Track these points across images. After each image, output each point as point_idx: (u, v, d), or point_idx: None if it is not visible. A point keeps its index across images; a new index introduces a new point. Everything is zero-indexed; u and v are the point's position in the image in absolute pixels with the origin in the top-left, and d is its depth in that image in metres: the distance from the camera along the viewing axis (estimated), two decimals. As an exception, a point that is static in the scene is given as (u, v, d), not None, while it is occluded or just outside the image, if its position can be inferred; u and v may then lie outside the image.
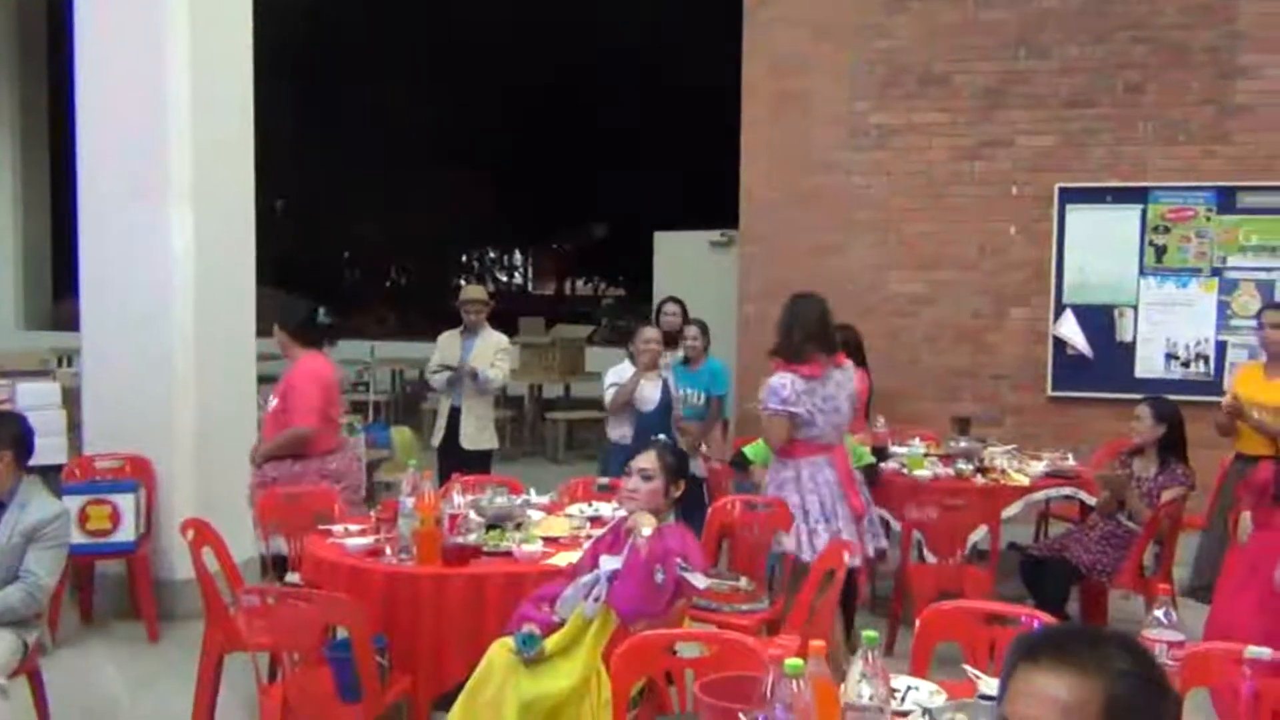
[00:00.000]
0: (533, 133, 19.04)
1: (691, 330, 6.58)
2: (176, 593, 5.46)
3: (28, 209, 13.76)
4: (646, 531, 3.36)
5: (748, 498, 4.90)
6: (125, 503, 5.35)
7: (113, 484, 5.43)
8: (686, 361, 6.52)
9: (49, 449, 5.41)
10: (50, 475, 5.18)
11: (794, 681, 1.94)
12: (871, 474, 5.49)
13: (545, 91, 18.26)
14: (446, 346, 6.65)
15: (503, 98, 18.25)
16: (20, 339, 12.64)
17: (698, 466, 6.03)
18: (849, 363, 4.89)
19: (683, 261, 10.43)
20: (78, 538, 5.01)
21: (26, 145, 13.69)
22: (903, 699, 2.43)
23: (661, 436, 4.10)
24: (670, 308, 7.04)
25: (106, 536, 5.32)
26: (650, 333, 6.13)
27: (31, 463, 3.97)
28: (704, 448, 6.42)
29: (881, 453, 5.84)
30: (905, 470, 5.72)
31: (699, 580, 3.37)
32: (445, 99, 18.33)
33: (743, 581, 4.52)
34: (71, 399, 5.96)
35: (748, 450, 5.64)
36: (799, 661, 1.96)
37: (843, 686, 2.10)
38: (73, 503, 5.05)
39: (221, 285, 5.80)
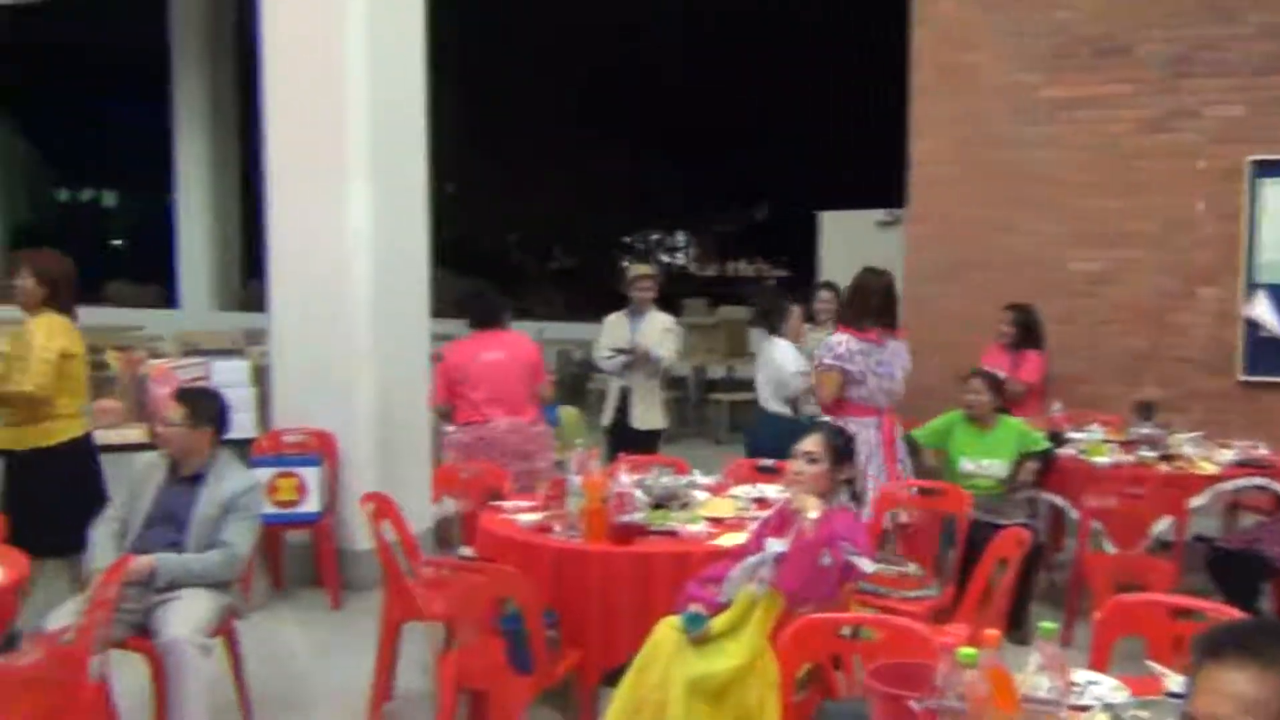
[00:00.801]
0: (693, 112, 19.02)
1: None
2: (357, 562, 5.70)
3: (219, 196, 14.54)
4: (813, 514, 3.34)
5: (917, 482, 4.81)
6: (310, 475, 5.61)
7: (299, 457, 5.70)
8: None
9: (240, 424, 5.70)
10: (241, 448, 5.47)
11: (968, 670, 1.90)
12: (1046, 460, 5.32)
13: (704, 69, 18.20)
14: (614, 328, 6.72)
15: (662, 78, 18.28)
16: (213, 320, 13.38)
17: None
18: (905, 339, 5.24)
19: (847, 241, 10.28)
20: (267, 508, 5.26)
21: (217, 136, 14.46)
22: (1082, 693, 2.35)
23: (828, 419, 4.07)
24: (825, 294, 6.96)
25: (293, 507, 5.58)
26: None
27: (225, 437, 4.21)
28: None
29: (1058, 438, 5.65)
30: (1084, 456, 5.51)
31: (866, 564, 3.34)
32: (604, 80, 18.47)
33: (911, 567, 4.45)
34: (261, 376, 6.28)
35: (917, 433, 5.54)
36: (973, 650, 1.93)
37: (1019, 677, 2.04)
38: (262, 475, 5.32)
39: (398, 268, 6.01)
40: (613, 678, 3.55)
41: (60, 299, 4.80)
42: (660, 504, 4.25)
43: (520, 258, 24.12)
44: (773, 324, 6.39)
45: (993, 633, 2.07)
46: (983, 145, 7.73)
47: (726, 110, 18.86)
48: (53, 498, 4.15)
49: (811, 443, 3.57)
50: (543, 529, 4.04)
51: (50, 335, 4.66)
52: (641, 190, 20.47)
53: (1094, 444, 5.66)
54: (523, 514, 4.21)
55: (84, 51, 15.17)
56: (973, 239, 7.65)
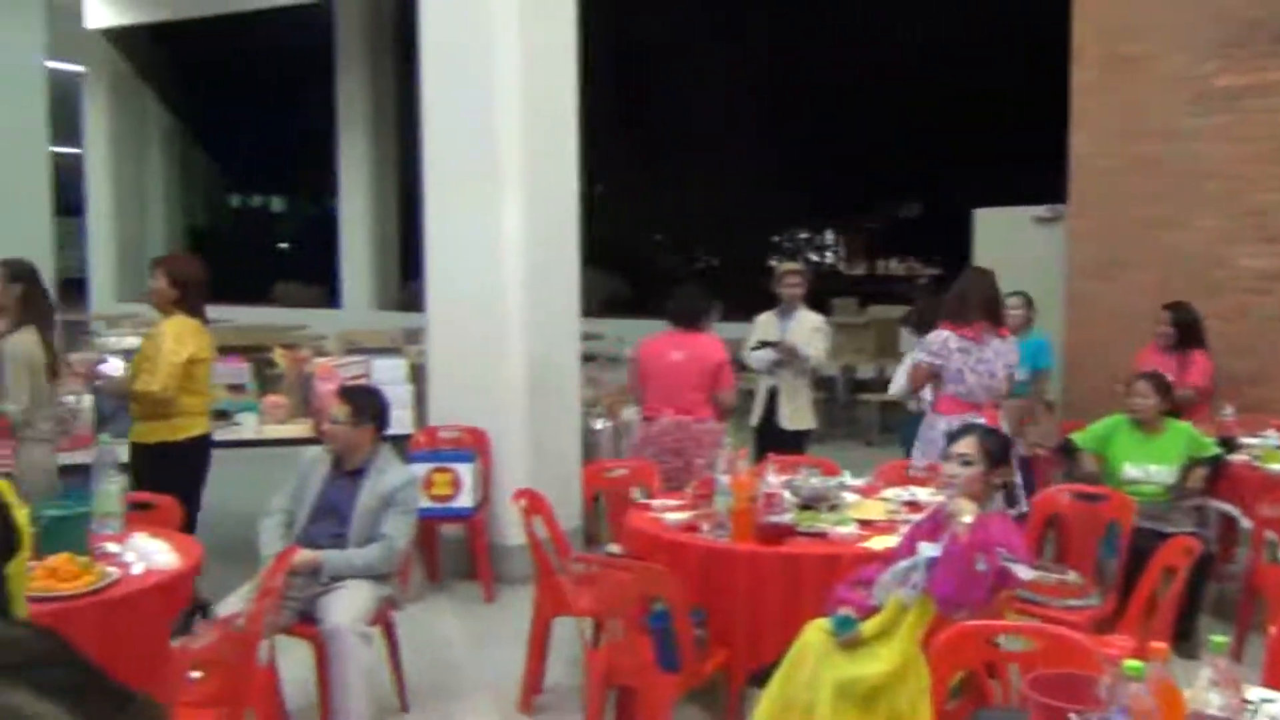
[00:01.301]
0: (842, 108, 18.76)
1: (1014, 300, 6.29)
2: (509, 557, 5.82)
3: (379, 200, 15.05)
4: (967, 519, 3.27)
5: (1078, 487, 4.65)
6: (465, 471, 5.75)
7: (454, 453, 5.85)
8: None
9: (398, 420, 5.88)
10: (399, 444, 5.65)
11: (1134, 684, 1.83)
12: (1217, 466, 5.08)
13: (853, 65, 17.93)
14: (764, 328, 6.69)
15: (812, 75, 18.09)
16: (373, 319, 13.85)
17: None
18: (1012, 338, 5.31)
19: (1003, 239, 9.98)
20: (423, 502, 5.43)
21: (377, 141, 14.96)
22: (1256, 711, 2.24)
23: (981, 420, 3.97)
24: (1013, 300, 6.77)
25: (448, 502, 5.74)
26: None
27: (385, 433, 4.36)
28: (1028, 424, 6.18)
29: (1229, 443, 5.38)
30: (1258, 463, 5.24)
31: (1023, 571, 3.24)
32: (750, 77, 18.38)
33: (1071, 575, 4.31)
34: (417, 374, 6.47)
35: (1076, 437, 5.36)
36: (1140, 663, 1.86)
37: (1188, 693, 1.96)
38: (419, 470, 5.48)
39: (549, 269, 6.11)
40: (760, 678, 3.55)
41: (190, 301, 4.97)
42: (808, 505, 4.22)
43: (666, 257, 24.23)
44: (927, 324, 6.27)
45: (1160, 645, 1.99)
46: (1146, 138, 7.42)
47: (877, 106, 18.56)
48: (176, 490, 4.35)
49: (966, 445, 3.49)
50: (690, 528, 4.05)
51: (179, 340, 4.85)
52: (789, 188, 20.31)
53: (1269, 450, 5.37)
54: (670, 513, 4.24)
55: (255, 64, 15.91)
56: (1135, 235, 7.35)
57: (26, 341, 4.70)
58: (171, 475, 4.74)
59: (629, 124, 18.03)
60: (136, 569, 3.41)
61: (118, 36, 14.97)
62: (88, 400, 5.70)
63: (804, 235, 27.70)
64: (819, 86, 18.59)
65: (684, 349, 5.82)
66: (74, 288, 15.10)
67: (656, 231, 24.16)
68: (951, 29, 16.37)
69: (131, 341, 6.35)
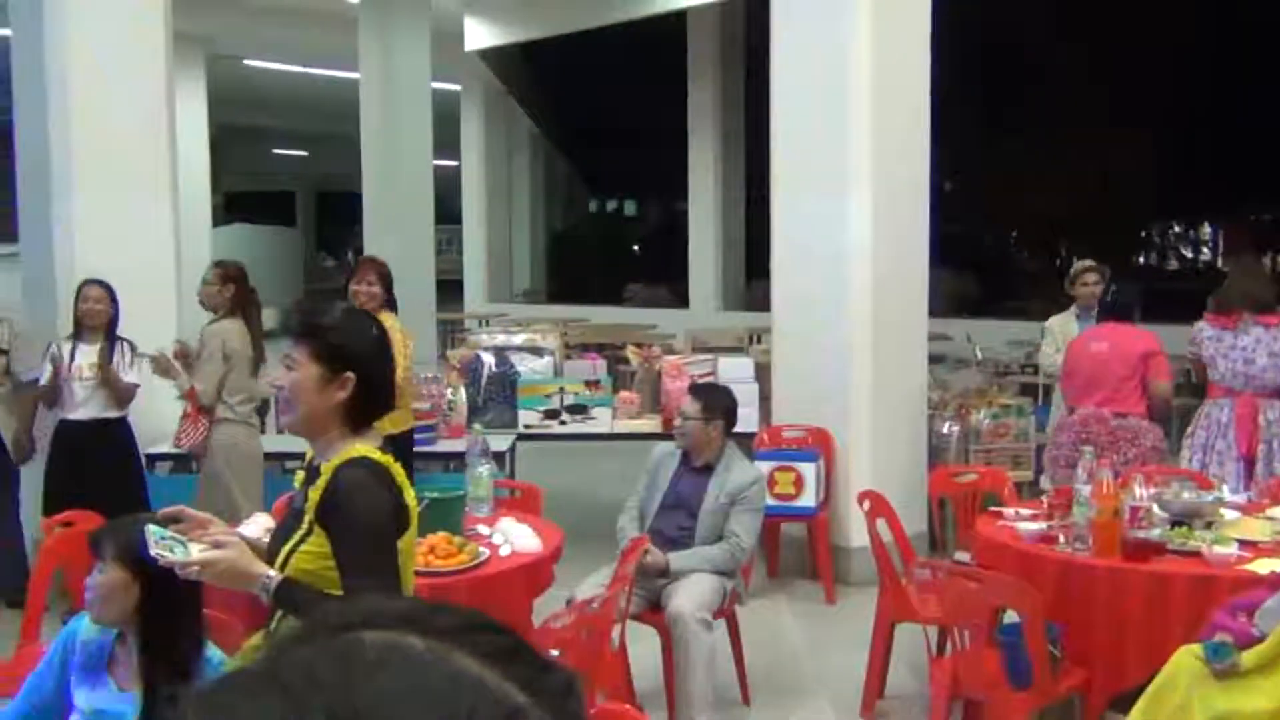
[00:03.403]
0: (1217, 88, 17.13)
1: None
2: (851, 558, 5.78)
3: (725, 201, 15.38)
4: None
5: None
6: (808, 471, 5.76)
7: (797, 452, 5.87)
8: None
9: (743, 418, 5.98)
10: (744, 442, 5.74)
11: None
12: None
13: (1225, 47, 16.35)
14: (1061, 331, 6.22)
15: (1180, 56, 16.65)
16: (719, 319, 14.17)
17: None
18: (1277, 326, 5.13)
19: None
20: (767, 500, 5.50)
21: (725, 145, 15.29)
22: None
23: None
24: None
25: (791, 501, 5.77)
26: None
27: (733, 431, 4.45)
28: None
29: None
30: None
31: None
32: (1114, 61, 17.16)
33: None
34: (763, 373, 6.55)
35: None
36: None
37: None
38: (762, 468, 5.55)
39: (897, 268, 6.01)
40: (1121, 702, 3.32)
41: (390, 299, 5.15)
42: (1180, 521, 3.90)
43: (1022, 256, 23.18)
44: None
45: None
46: None
47: (1260, 84, 16.81)
48: None
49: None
50: (1046, 539, 3.86)
51: (404, 338, 4.94)
52: (1159, 180, 18.82)
53: None
54: (1024, 522, 4.05)
55: (612, 75, 16.68)
56: None
57: (228, 331, 5.10)
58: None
59: (981, 118, 17.38)
60: (504, 550, 3.68)
61: (491, 56, 16.16)
62: (462, 393, 6.20)
63: (1176, 229, 25.60)
64: (1195, 69, 17.10)
65: (1107, 340, 5.56)
66: (452, 289, 16.46)
67: (1011, 229, 23.12)
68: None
69: (502, 339, 6.83)
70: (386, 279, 5.17)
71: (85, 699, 2.51)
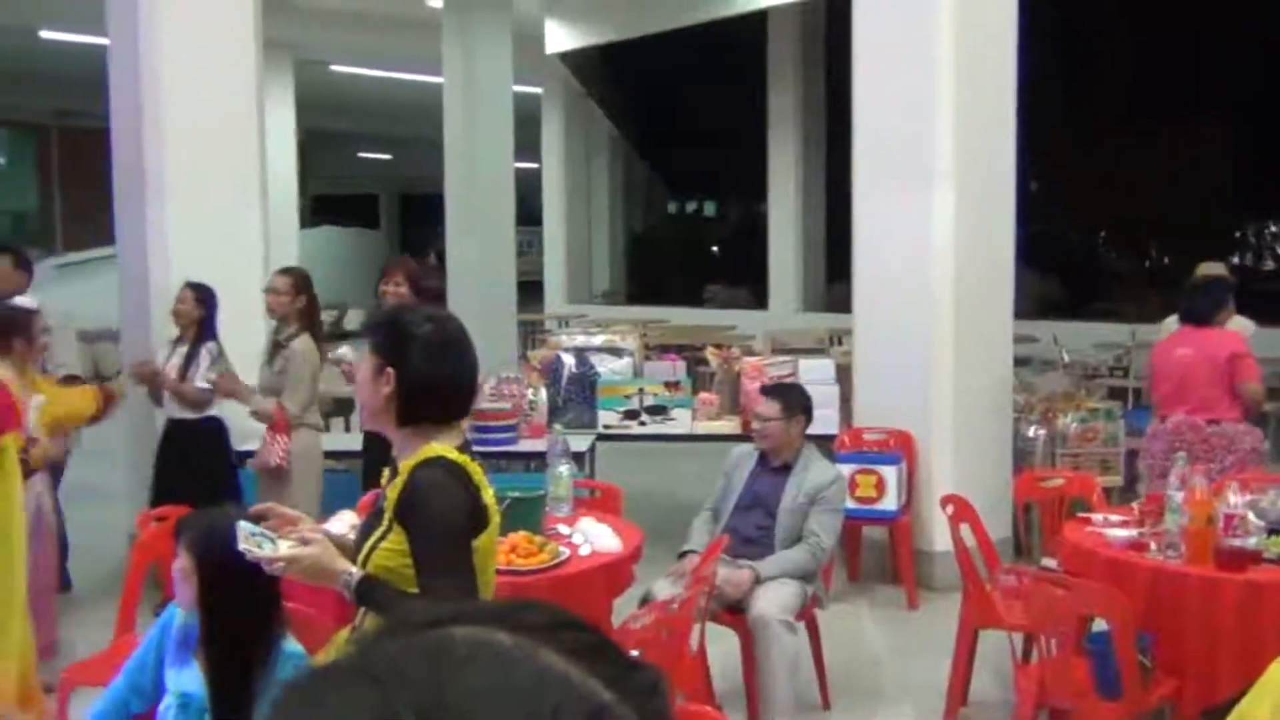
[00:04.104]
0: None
1: None
2: (933, 563, 5.70)
3: (805, 202, 15.28)
4: None
5: None
6: (889, 473, 5.69)
7: (879, 455, 5.81)
8: None
9: (824, 420, 5.94)
10: (824, 444, 5.70)
11: None
12: None
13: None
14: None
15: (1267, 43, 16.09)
16: (799, 320, 14.07)
17: None
18: None
19: None
20: (848, 503, 5.44)
21: (805, 145, 15.19)
22: None
23: None
24: None
25: (873, 504, 5.71)
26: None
27: (810, 430, 4.42)
28: None
29: None
30: None
31: None
32: (1214, 57, 16.66)
33: None
34: (843, 375, 6.49)
35: None
36: None
37: None
38: (843, 470, 5.50)
39: (982, 269, 5.92)
40: (1213, 715, 3.23)
41: (423, 296, 5.08)
42: (1277, 530, 3.78)
43: (1111, 256, 22.68)
44: None
45: None
46: None
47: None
48: None
49: None
50: (1137, 546, 3.77)
51: None
52: (1252, 176, 18.23)
53: None
54: (1114, 529, 3.96)
55: (691, 75, 16.67)
56: None
57: (310, 350, 5.11)
58: None
59: (1067, 114, 17.01)
60: (584, 550, 3.70)
61: (571, 58, 16.26)
62: (543, 394, 6.25)
63: (1275, 229, 24.82)
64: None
65: (1191, 345, 5.42)
66: (532, 290, 16.59)
67: (1102, 228, 22.61)
68: None
69: (582, 340, 6.87)
70: (416, 280, 5.20)
71: (174, 681, 2.58)
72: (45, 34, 13.66)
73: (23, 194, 20.56)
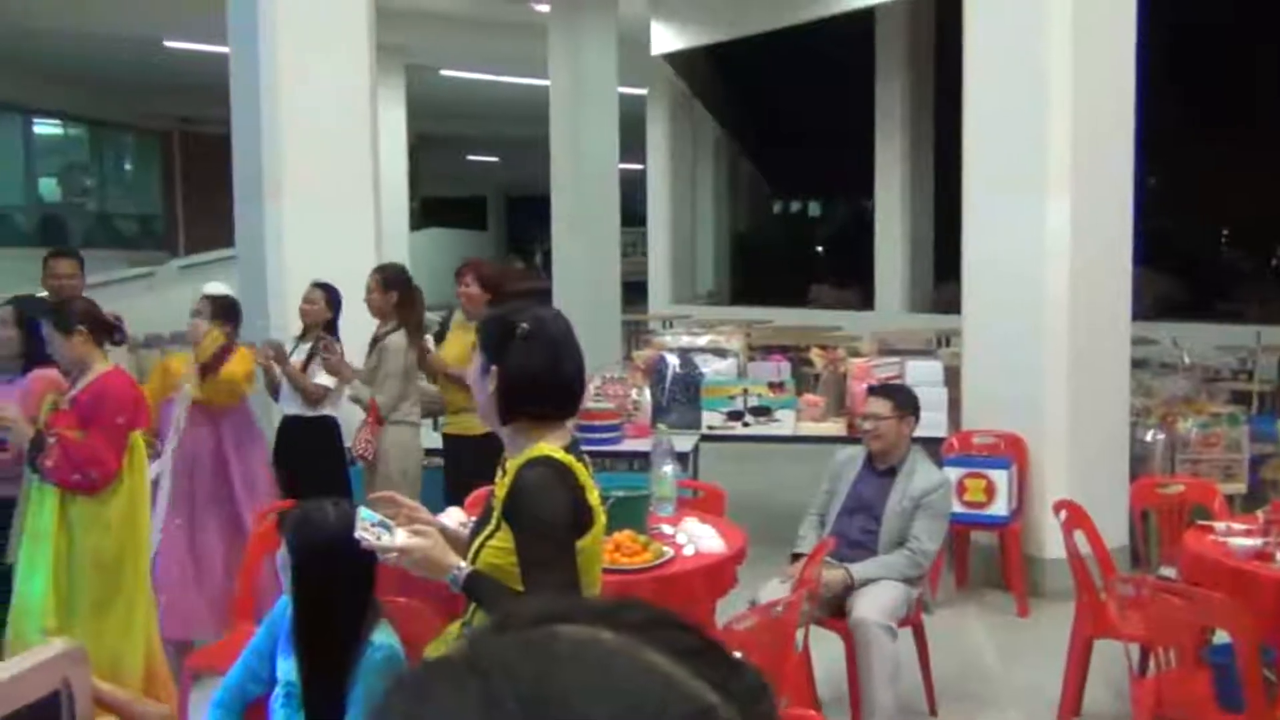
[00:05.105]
0: None
1: None
2: (1045, 570, 5.57)
3: (913, 201, 15.05)
4: None
5: None
6: (999, 478, 5.57)
7: (988, 459, 5.69)
8: None
9: (931, 423, 5.84)
10: (932, 447, 5.60)
11: None
12: None
13: None
14: None
15: None
16: (906, 320, 13.87)
17: None
18: None
19: None
20: (955, 508, 5.33)
21: (913, 144, 14.96)
22: None
23: None
24: None
25: (981, 509, 5.59)
26: None
27: (917, 434, 4.35)
28: None
29: None
30: None
31: None
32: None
33: None
34: (951, 377, 6.37)
35: None
36: None
37: None
38: (952, 474, 5.40)
39: (1097, 270, 5.76)
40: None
41: (494, 303, 5.10)
42: None
43: (1234, 254, 21.85)
44: None
45: None
46: None
47: None
48: (480, 480, 4.45)
49: None
50: (1261, 556, 3.62)
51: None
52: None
53: None
54: (1238, 538, 3.81)
55: (797, 75, 16.54)
56: None
57: (400, 344, 5.17)
58: (477, 467, 4.95)
59: (1188, 107, 16.44)
60: (688, 550, 3.70)
61: (677, 59, 16.27)
62: (647, 394, 6.27)
63: None
64: None
65: None
66: (637, 290, 16.65)
67: (1222, 226, 21.82)
68: None
69: (686, 340, 6.87)
70: (488, 280, 5.27)
71: (283, 669, 2.65)
72: (169, 44, 14.17)
73: (148, 198, 21.40)
